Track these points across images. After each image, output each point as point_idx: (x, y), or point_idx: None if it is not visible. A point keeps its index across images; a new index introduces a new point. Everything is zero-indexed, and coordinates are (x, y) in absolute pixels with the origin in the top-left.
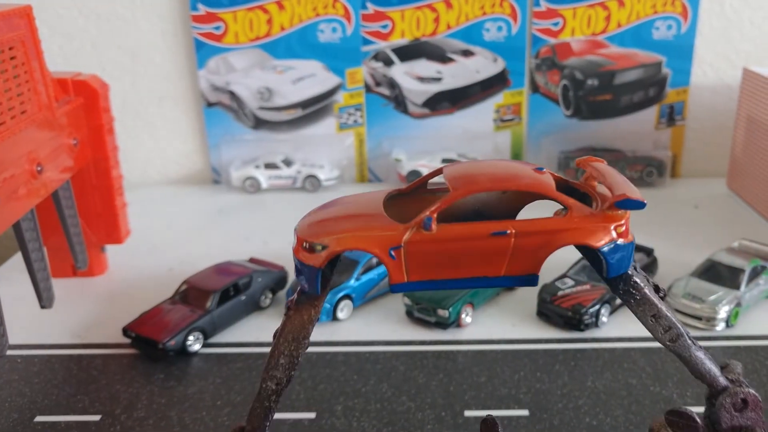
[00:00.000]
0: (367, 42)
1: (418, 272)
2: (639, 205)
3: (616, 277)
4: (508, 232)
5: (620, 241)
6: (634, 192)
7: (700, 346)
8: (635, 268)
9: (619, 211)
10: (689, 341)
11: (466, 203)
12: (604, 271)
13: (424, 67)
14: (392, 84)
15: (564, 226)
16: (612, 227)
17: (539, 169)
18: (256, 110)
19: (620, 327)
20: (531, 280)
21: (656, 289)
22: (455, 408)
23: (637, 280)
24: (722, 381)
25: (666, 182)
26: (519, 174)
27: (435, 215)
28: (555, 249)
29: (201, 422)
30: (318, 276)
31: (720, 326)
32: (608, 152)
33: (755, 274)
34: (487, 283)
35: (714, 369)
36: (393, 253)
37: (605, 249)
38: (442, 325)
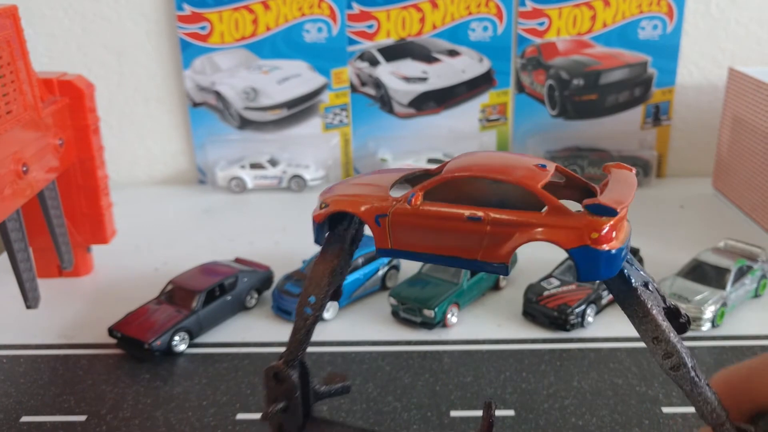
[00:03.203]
0: (352, 42)
1: (400, 242)
2: (608, 211)
3: (623, 289)
4: (482, 218)
5: (594, 246)
6: (612, 198)
7: (707, 383)
8: (646, 285)
9: (602, 218)
10: (693, 374)
11: (491, 193)
12: (575, 275)
13: (410, 67)
14: (378, 84)
15: (537, 222)
16: (586, 231)
17: (541, 166)
18: (241, 110)
19: (606, 327)
20: (501, 269)
21: (675, 313)
22: (441, 408)
23: (643, 298)
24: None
25: (652, 182)
26: (513, 166)
27: (420, 192)
28: (524, 242)
29: (187, 422)
30: (318, 229)
31: (706, 326)
32: (594, 152)
33: (741, 274)
34: (462, 264)
35: (719, 409)
36: (379, 220)
37: (574, 251)
38: (427, 325)
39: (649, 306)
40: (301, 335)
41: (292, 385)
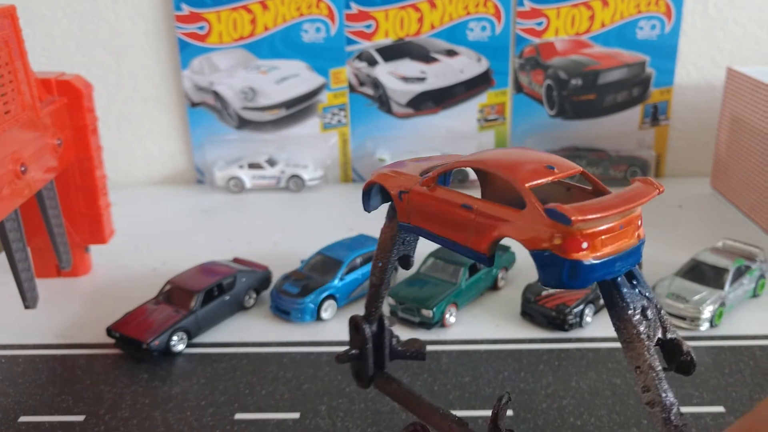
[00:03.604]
0: (351, 42)
1: (415, 218)
2: (562, 218)
3: (612, 310)
4: (472, 207)
5: (555, 252)
6: (577, 207)
7: (682, 427)
8: (645, 310)
9: (575, 225)
10: (668, 416)
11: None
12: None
13: (408, 66)
14: (376, 84)
15: (511, 219)
16: (549, 235)
17: (549, 167)
18: (239, 110)
19: (604, 327)
20: (482, 258)
21: (677, 348)
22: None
23: (633, 323)
24: None
25: None
26: (516, 163)
27: (434, 176)
28: (498, 236)
29: (185, 422)
30: (364, 198)
31: (704, 326)
32: (592, 152)
33: (739, 273)
34: (455, 248)
35: None
36: (402, 196)
37: (534, 253)
38: (426, 325)
39: (635, 333)
40: (372, 296)
41: (365, 336)
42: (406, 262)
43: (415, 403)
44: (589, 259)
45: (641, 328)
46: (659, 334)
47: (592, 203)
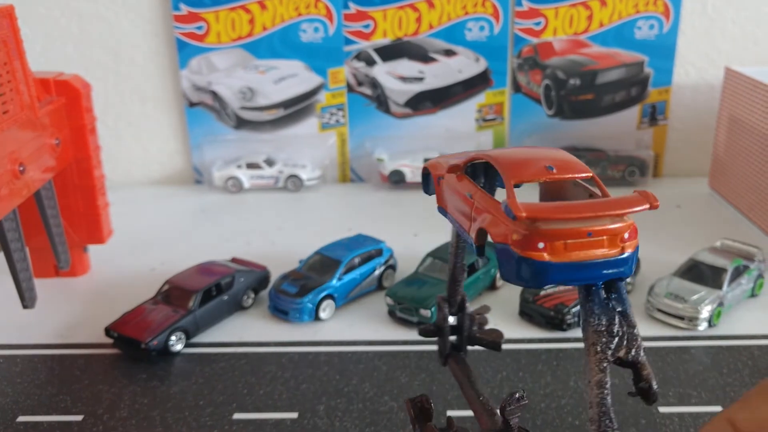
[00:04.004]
0: (349, 42)
1: (444, 203)
2: (508, 212)
3: (583, 314)
4: (472, 197)
5: (512, 248)
6: (532, 206)
7: None
8: (609, 325)
9: (536, 223)
10: None
11: (563, 192)
12: None
13: (407, 66)
14: (374, 84)
15: (489, 211)
16: (512, 230)
17: (548, 168)
18: (238, 110)
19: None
20: (475, 248)
21: (639, 373)
22: (438, 408)
23: (590, 332)
24: None
25: (648, 182)
26: (522, 161)
27: (460, 164)
28: (479, 227)
29: (183, 422)
30: (423, 182)
31: (702, 326)
32: (590, 152)
33: (737, 273)
34: (464, 236)
35: None
36: (439, 181)
37: (496, 246)
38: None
39: (590, 345)
40: (449, 278)
41: (443, 316)
42: (481, 251)
43: (465, 387)
44: (545, 259)
45: (598, 343)
46: (621, 353)
47: (554, 205)
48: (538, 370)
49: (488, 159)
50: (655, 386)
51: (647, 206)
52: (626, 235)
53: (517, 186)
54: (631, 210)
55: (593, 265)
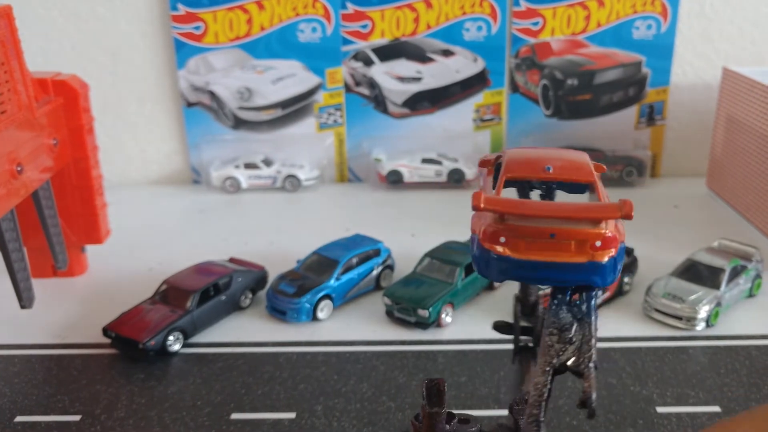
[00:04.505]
0: (347, 42)
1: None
2: (472, 202)
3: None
4: (479, 188)
5: (480, 239)
6: (495, 197)
7: None
8: (563, 331)
9: (506, 219)
10: None
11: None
12: None
13: (404, 66)
14: (372, 84)
15: (476, 205)
16: (485, 222)
17: (546, 168)
18: (236, 110)
19: (600, 327)
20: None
21: (582, 396)
22: None
23: (544, 334)
24: None
25: (646, 182)
26: (527, 159)
27: (492, 160)
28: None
29: (181, 422)
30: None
31: (700, 326)
32: (588, 152)
33: (735, 273)
34: None
35: None
36: (486, 174)
37: (472, 236)
38: (422, 325)
39: (542, 346)
40: None
41: (515, 313)
42: None
43: (514, 388)
44: (505, 253)
45: (549, 346)
46: (570, 362)
47: (521, 201)
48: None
49: (503, 153)
50: (593, 402)
51: (618, 216)
52: (598, 243)
53: (514, 183)
54: (596, 216)
55: (556, 268)
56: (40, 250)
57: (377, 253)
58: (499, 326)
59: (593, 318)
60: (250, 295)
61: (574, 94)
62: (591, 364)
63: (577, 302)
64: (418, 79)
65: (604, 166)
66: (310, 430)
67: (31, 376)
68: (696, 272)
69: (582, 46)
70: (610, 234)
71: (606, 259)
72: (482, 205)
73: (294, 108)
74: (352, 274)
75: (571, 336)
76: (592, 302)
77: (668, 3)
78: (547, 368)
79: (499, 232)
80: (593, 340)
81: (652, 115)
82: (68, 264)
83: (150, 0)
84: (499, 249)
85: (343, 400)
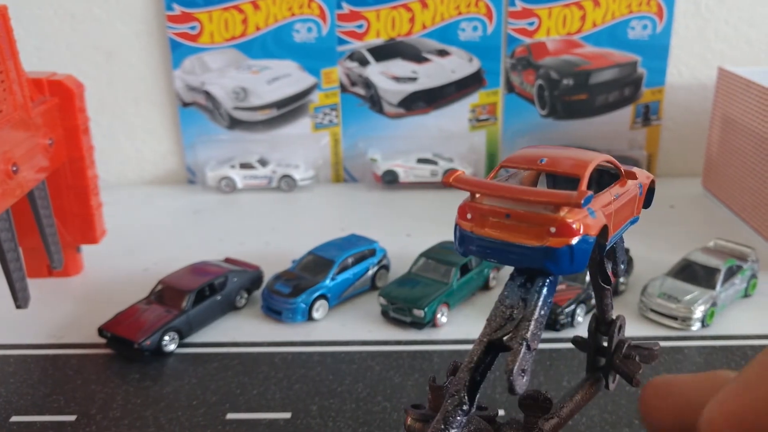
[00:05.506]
0: (342, 42)
1: None
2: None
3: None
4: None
5: (458, 222)
6: (472, 177)
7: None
8: (511, 309)
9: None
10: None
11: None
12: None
13: (400, 66)
14: (368, 84)
15: (445, 181)
16: (466, 207)
17: (541, 161)
18: (231, 110)
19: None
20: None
21: (504, 370)
22: None
23: (492, 311)
24: None
25: None
26: (532, 153)
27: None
28: None
29: (176, 422)
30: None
31: (696, 326)
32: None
33: (731, 273)
34: None
35: None
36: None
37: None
38: (417, 325)
39: (487, 320)
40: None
41: (590, 330)
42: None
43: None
44: (467, 229)
45: (491, 318)
46: (505, 336)
47: (484, 182)
48: (532, 370)
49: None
50: (512, 378)
51: (565, 203)
52: (552, 230)
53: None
54: (547, 201)
55: (510, 248)
56: (35, 250)
57: (373, 253)
58: (576, 342)
59: (541, 302)
60: (245, 295)
61: (570, 94)
62: (523, 342)
63: (529, 285)
64: (413, 79)
65: (636, 172)
66: (306, 430)
67: (27, 376)
68: (691, 272)
69: (577, 46)
70: (570, 221)
71: (562, 246)
72: (451, 181)
73: (289, 108)
74: (348, 274)
75: (512, 312)
76: (544, 289)
77: (664, 3)
78: (484, 339)
79: (465, 209)
80: (533, 323)
81: (647, 115)
82: (64, 264)
83: (145, 0)
84: (466, 225)
85: (339, 400)
